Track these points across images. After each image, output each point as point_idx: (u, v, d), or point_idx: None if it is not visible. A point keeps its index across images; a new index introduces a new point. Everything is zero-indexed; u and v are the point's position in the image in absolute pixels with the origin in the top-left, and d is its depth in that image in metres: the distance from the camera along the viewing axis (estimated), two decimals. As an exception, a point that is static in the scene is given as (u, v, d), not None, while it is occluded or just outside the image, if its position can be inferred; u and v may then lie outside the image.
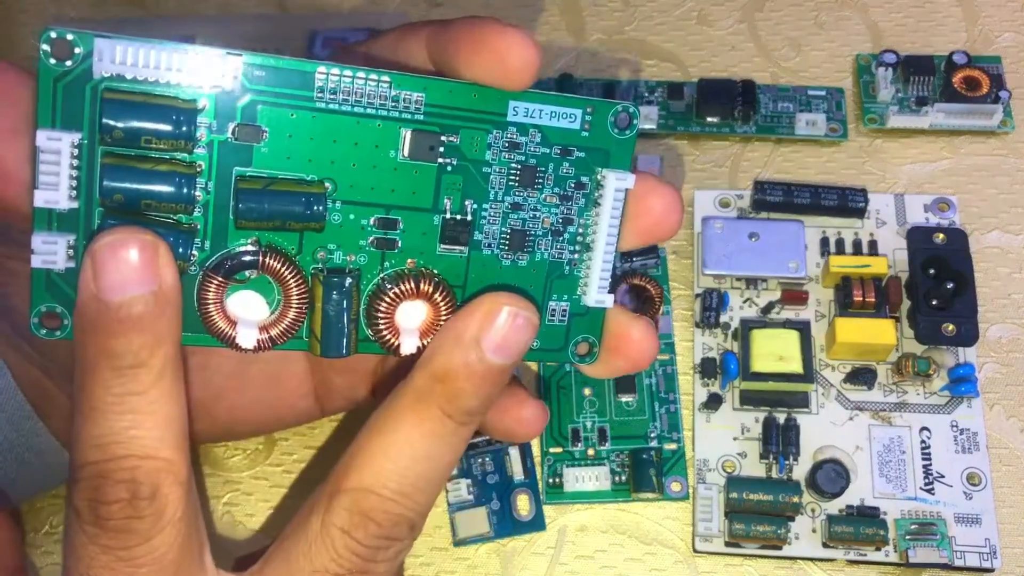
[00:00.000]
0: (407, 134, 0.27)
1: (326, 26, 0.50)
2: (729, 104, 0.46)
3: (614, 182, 0.28)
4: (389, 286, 0.28)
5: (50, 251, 0.25)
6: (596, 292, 0.30)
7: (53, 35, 0.24)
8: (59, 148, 0.24)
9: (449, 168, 0.28)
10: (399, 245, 0.28)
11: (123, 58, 0.24)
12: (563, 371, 0.42)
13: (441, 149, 0.27)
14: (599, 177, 0.29)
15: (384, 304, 0.28)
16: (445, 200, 0.28)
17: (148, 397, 0.25)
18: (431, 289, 0.28)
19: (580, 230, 0.29)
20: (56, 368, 0.33)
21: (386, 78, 0.26)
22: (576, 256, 0.30)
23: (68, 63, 0.24)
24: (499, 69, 0.26)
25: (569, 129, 0.28)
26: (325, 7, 0.52)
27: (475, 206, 0.28)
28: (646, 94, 0.47)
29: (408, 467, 0.27)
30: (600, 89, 0.47)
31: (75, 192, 0.25)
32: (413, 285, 0.28)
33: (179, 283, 0.26)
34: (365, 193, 0.27)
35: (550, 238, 0.29)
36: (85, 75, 0.24)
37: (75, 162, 0.25)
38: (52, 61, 0.24)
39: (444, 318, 0.28)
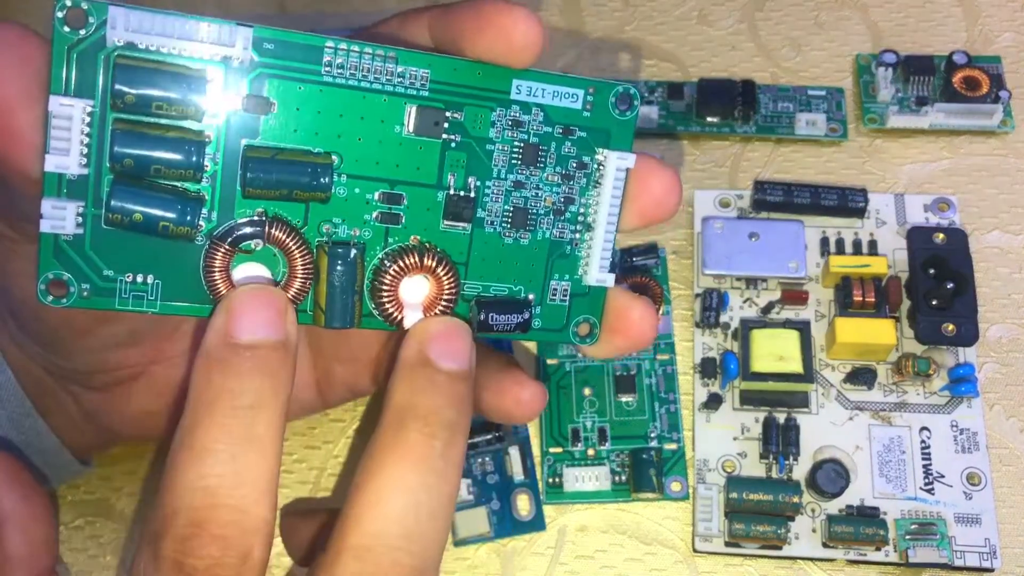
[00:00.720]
0: (412, 110, 0.27)
1: (326, 26, 0.50)
2: (729, 104, 0.46)
3: (615, 162, 0.29)
4: (393, 260, 0.28)
5: (59, 216, 0.25)
6: (597, 271, 0.30)
7: (68, 3, 0.24)
8: (71, 114, 0.25)
9: (453, 145, 0.28)
10: (403, 220, 0.28)
11: (136, 27, 0.25)
12: (563, 371, 0.42)
13: (445, 125, 0.28)
14: (600, 157, 0.29)
15: (388, 277, 0.28)
16: (449, 176, 0.28)
17: (261, 443, 0.25)
18: (434, 263, 0.28)
19: (581, 210, 0.30)
20: (59, 366, 0.33)
21: (392, 54, 0.27)
22: (577, 236, 0.30)
23: (82, 32, 0.24)
24: (504, 46, 0.27)
25: (571, 109, 0.29)
26: (325, 7, 0.52)
27: (478, 183, 0.28)
28: (646, 94, 0.47)
29: (407, 505, 0.26)
30: (600, 89, 0.47)
31: (85, 159, 0.25)
32: (417, 259, 0.28)
33: (298, 342, 0.27)
34: (370, 168, 0.28)
35: (552, 217, 0.29)
36: (98, 43, 0.25)
37: (86, 128, 0.25)
38: (66, 29, 0.24)
39: (447, 293, 0.28)
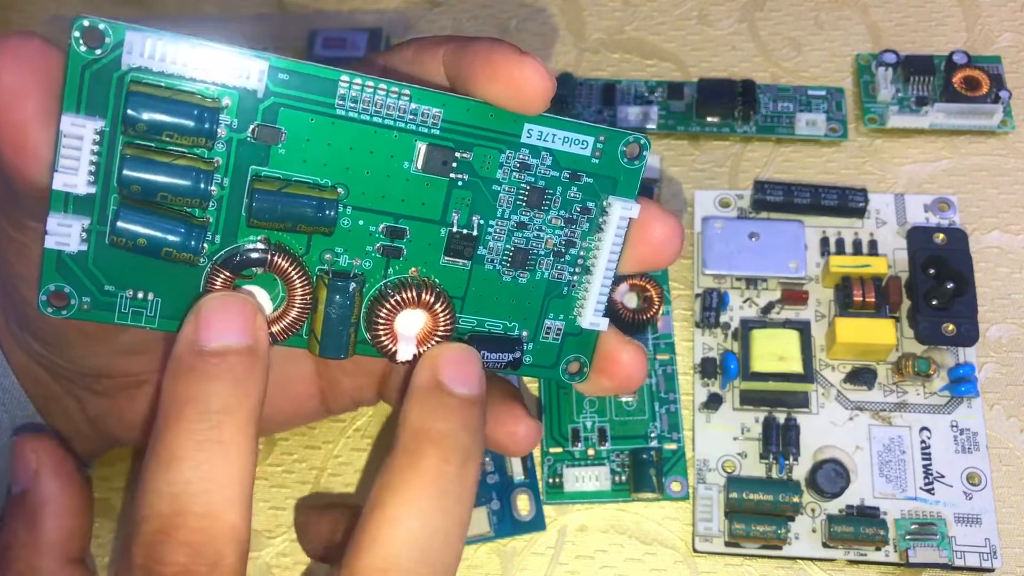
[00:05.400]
0: (422, 147, 0.27)
1: (326, 26, 0.50)
2: (729, 104, 0.46)
3: (619, 210, 0.29)
4: (391, 293, 0.28)
5: (64, 233, 0.26)
6: (592, 315, 0.30)
7: (86, 23, 0.24)
8: (82, 134, 0.25)
9: (460, 183, 0.28)
10: (405, 253, 0.28)
11: (152, 52, 0.25)
12: (563, 371, 0.42)
13: (454, 164, 0.28)
14: (605, 204, 0.29)
15: (385, 311, 0.28)
16: (453, 214, 0.28)
17: (228, 449, 0.25)
18: (432, 299, 0.28)
19: (581, 253, 0.30)
20: (65, 369, 0.33)
21: (407, 91, 0.27)
22: (575, 278, 0.30)
23: (98, 51, 0.25)
24: (513, 96, 0.27)
25: (580, 155, 0.29)
26: (325, 7, 0.52)
27: (482, 222, 0.29)
28: (646, 94, 0.47)
29: (422, 528, 0.26)
30: (600, 89, 0.47)
31: (93, 178, 0.25)
32: (414, 294, 0.28)
33: (269, 350, 0.27)
34: (376, 201, 0.28)
35: (551, 258, 0.30)
36: (113, 64, 0.25)
37: (96, 148, 0.25)
38: (83, 48, 0.24)
39: (442, 328, 0.29)
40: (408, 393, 0.28)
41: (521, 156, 0.28)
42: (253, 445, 0.26)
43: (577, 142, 0.29)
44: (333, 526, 0.34)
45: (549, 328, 0.31)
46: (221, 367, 0.26)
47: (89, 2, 0.53)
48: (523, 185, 0.29)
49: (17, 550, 0.32)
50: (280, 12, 0.51)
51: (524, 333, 0.30)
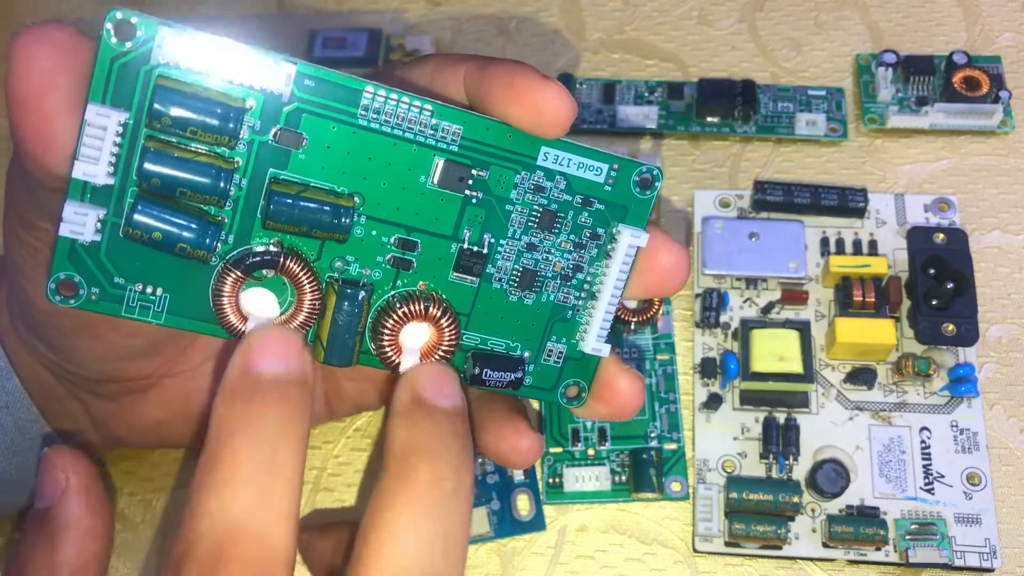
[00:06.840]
0: (439, 163, 0.28)
1: (326, 26, 0.50)
2: (729, 104, 0.46)
3: (628, 238, 0.29)
4: (399, 305, 0.28)
5: (80, 221, 0.26)
6: (594, 340, 0.30)
7: (119, 16, 0.24)
8: (106, 125, 0.25)
9: (474, 201, 0.28)
10: (414, 266, 0.29)
11: (183, 49, 0.25)
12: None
13: (470, 182, 0.28)
14: (615, 231, 0.30)
15: (391, 322, 0.28)
16: (465, 231, 0.29)
17: (283, 471, 0.25)
18: (438, 314, 0.29)
19: (588, 278, 0.30)
20: (70, 373, 0.33)
21: (428, 106, 0.27)
22: (580, 302, 0.30)
23: (128, 44, 0.25)
24: (535, 120, 0.27)
25: (594, 181, 0.29)
26: (325, 7, 0.52)
27: (492, 240, 0.29)
28: (646, 94, 0.47)
29: (422, 545, 0.26)
30: (600, 89, 0.47)
31: (113, 169, 0.25)
32: (422, 308, 0.28)
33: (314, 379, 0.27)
34: (390, 212, 0.28)
35: (558, 281, 0.30)
36: (143, 58, 0.25)
37: (118, 139, 0.25)
38: (114, 40, 0.25)
39: (446, 343, 0.29)
40: (391, 415, 0.28)
41: (536, 178, 0.29)
42: (302, 469, 0.26)
43: (592, 168, 0.29)
44: (336, 545, 0.34)
45: (551, 351, 0.31)
46: (275, 394, 0.26)
47: (90, 2, 0.53)
48: (536, 207, 0.29)
49: (33, 572, 0.31)
50: (280, 12, 0.51)
51: (526, 354, 0.30)
